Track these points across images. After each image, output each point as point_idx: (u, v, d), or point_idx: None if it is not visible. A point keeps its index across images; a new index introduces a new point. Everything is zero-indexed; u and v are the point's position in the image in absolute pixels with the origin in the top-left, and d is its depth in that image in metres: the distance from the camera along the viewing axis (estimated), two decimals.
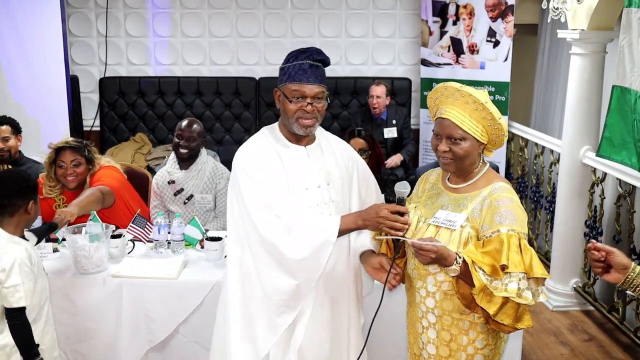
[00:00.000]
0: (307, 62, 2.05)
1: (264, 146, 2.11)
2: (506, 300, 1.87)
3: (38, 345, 2.26)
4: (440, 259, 1.88)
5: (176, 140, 3.48)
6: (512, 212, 1.93)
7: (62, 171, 3.14)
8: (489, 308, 1.87)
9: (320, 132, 2.23)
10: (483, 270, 1.86)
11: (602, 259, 1.70)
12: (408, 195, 2.03)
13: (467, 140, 1.98)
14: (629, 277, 1.68)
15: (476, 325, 2.00)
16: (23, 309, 2.21)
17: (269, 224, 1.97)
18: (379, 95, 5.04)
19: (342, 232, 1.97)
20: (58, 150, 3.15)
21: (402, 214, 1.94)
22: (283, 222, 1.96)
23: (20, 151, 3.58)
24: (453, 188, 2.08)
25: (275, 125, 2.18)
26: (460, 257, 1.87)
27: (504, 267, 1.85)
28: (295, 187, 2.06)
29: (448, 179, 2.13)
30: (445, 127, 1.99)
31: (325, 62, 2.10)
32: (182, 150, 3.47)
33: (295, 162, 2.09)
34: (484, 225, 1.94)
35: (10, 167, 3.48)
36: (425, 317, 2.07)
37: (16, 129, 3.55)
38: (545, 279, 1.90)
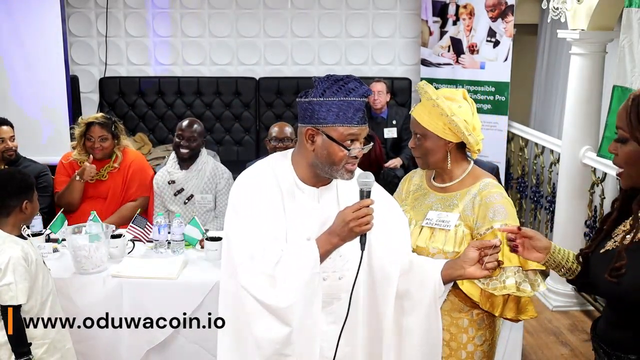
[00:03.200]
0: (361, 100, 1.73)
1: (267, 183, 1.81)
2: (507, 296, 1.88)
3: (30, 344, 2.28)
4: None
5: (177, 140, 3.49)
6: (504, 207, 1.95)
7: (90, 144, 3.48)
8: (493, 310, 1.90)
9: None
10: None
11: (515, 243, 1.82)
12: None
13: (428, 137, 2.02)
14: (551, 256, 1.81)
15: (474, 323, 2.01)
16: (17, 307, 2.23)
17: (251, 277, 1.71)
18: (379, 90, 5.05)
19: (322, 257, 1.72)
20: (88, 125, 3.49)
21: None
22: (265, 271, 1.70)
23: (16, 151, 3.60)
24: (439, 187, 2.09)
25: (289, 156, 1.86)
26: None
27: (499, 263, 1.86)
28: (295, 236, 1.77)
29: (433, 179, 2.13)
30: (411, 124, 2.08)
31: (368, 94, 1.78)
32: (183, 150, 3.47)
33: (301, 207, 1.79)
34: (477, 222, 1.96)
35: (7, 167, 3.49)
36: None
37: (13, 129, 3.58)
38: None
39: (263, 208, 1.76)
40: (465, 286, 1.87)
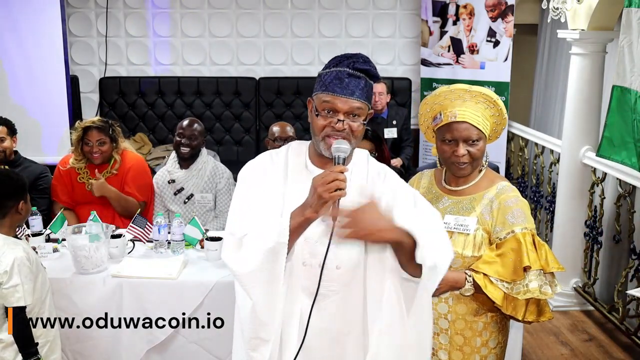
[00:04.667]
0: (346, 69, 1.69)
1: (273, 164, 1.81)
2: (528, 299, 1.88)
3: (37, 343, 2.29)
4: (451, 286, 1.88)
5: (177, 139, 3.49)
6: (522, 211, 1.94)
7: (88, 148, 3.40)
8: (516, 314, 1.90)
9: (357, 157, 1.82)
10: (500, 280, 1.87)
11: None
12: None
13: (482, 140, 1.98)
14: None
15: (489, 325, 2.01)
16: (23, 308, 2.24)
17: (226, 245, 1.72)
18: (380, 91, 5.04)
19: (294, 230, 1.62)
20: (85, 129, 3.39)
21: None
22: (236, 237, 1.69)
23: (16, 151, 3.57)
24: (453, 190, 2.06)
25: (308, 142, 1.86)
26: (470, 276, 1.88)
27: (526, 268, 1.86)
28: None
29: (445, 181, 2.11)
30: (462, 131, 1.95)
31: (369, 72, 1.72)
32: (184, 149, 3.47)
33: (304, 189, 1.68)
34: (496, 227, 1.94)
35: (6, 167, 3.47)
36: (437, 323, 2.04)
37: (12, 130, 3.55)
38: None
39: (259, 188, 1.75)
40: (489, 289, 1.86)
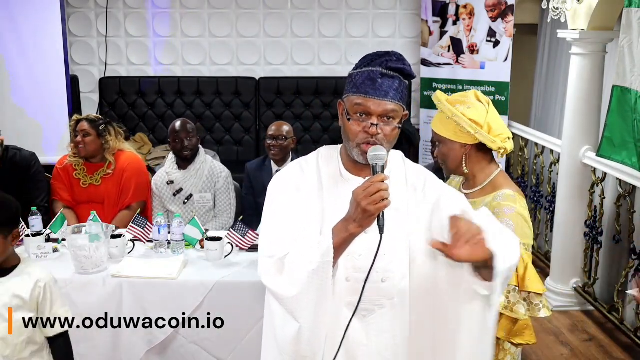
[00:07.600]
0: (378, 69, 1.59)
1: (305, 175, 1.72)
2: (500, 314, 1.84)
3: None
4: None
5: (176, 142, 3.47)
6: (512, 222, 1.90)
7: (75, 139, 3.47)
8: None
9: (394, 160, 1.76)
10: None
11: None
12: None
13: (444, 143, 2.06)
14: None
15: None
16: None
17: (264, 266, 1.62)
18: None
19: (338, 246, 1.53)
20: (78, 121, 3.51)
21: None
22: (277, 260, 1.60)
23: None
24: (465, 194, 2.06)
25: (339, 146, 1.75)
26: None
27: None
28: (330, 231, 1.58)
29: (463, 185, 2.14)
30: (432, 132, 2.13)
31: (404, 71, 1.62)
32: (185, 152, 3.47)
33: (344, 199, 1.57)
34: None
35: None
36: None
37: None
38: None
39: (292, 203, 1.66)
40: None
